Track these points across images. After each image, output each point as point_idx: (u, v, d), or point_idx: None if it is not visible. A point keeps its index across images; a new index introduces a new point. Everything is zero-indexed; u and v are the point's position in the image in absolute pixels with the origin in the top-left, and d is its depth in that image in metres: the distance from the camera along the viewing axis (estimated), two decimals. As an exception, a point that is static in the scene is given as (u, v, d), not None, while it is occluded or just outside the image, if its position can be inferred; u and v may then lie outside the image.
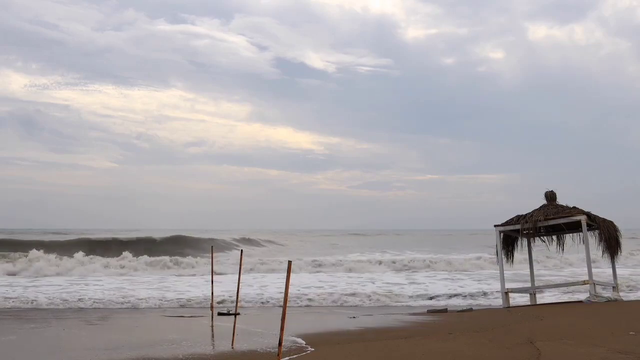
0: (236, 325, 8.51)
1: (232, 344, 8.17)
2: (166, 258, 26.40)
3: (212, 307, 10.59)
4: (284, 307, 4.81)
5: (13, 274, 22.15)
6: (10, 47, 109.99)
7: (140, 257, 26.43)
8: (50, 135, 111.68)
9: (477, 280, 21.01)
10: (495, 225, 14.11)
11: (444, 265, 26.60)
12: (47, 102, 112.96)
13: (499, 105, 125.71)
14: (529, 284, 15.14)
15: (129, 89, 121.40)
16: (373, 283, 20.08)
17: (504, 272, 13.93)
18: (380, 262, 27.50)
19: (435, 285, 19.42)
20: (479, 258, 28.52)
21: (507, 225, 13.90)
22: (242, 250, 10.06)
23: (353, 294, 16.71)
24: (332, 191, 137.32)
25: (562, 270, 25.16)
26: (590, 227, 13.26)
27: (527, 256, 15.08)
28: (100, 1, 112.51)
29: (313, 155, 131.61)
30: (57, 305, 14.57)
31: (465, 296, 16.75)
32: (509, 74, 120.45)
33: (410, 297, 16.81)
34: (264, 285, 19.05)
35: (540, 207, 13.77)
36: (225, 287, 16.18)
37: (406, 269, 25.85)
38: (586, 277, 13.13)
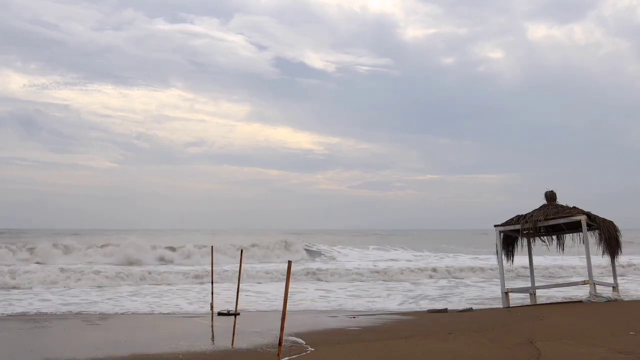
0: (236, 326, 8.51)
1: (232, 344, 8.18)
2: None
3: (212, 307, 10.58)
4: (284, 307, 4.81)
5: None
6: (10, 47, 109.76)
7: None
8: (50, 135, 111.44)
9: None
10: (495, 225, 14.10)
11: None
12: (46, 102, 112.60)
13: (499, 105, 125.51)
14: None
15: (129, 88, 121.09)
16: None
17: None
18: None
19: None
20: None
21: (507, 225, 13.90)
22: (242, 250, 10.05)
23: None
24: (332, 191, 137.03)
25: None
26: (590, 227, 13.26)
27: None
28: (99, 0, 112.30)
29: (313, 155, 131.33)
30: None
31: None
32: (509, 73, 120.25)
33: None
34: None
35: (540, 207, 13.76)
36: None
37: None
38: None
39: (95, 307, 14.05)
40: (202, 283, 19.44)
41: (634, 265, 24.84)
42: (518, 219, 13.70)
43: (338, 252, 34.64)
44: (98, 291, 17.25)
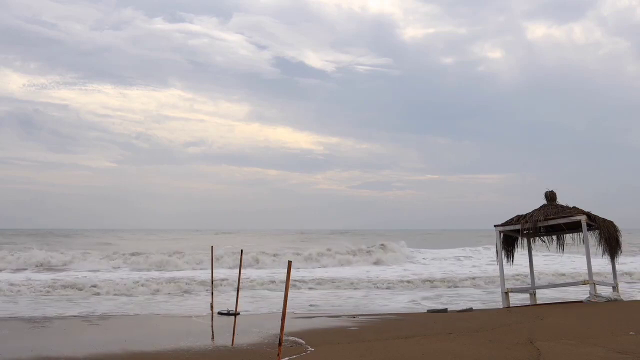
0: (236, 325, 8.52)
1: (232, 343, 8.18)
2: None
3: (212, 306, 10.59)
4: (284, 307, 4.81)
5: None
6: (9, 47, 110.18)
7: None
8: (49, 135, 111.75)
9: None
10: (495, 225, 14.10)
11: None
12: (45, 101, 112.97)
13: (499, 105, 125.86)
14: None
15: (128, 88, 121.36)
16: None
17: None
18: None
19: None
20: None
21: (507, 225, 13.90)
22: (241, 250, 10.05)
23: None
24: (332, 191, 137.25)
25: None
26: (590, 227, 13.26)
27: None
28: (98, 0, 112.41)
29: (312, 155, 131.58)
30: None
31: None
32: (508, 73, 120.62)
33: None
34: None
35: (540, 207, 13.77)
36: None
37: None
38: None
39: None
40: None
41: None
42: (518, 219, 13.69)
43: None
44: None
